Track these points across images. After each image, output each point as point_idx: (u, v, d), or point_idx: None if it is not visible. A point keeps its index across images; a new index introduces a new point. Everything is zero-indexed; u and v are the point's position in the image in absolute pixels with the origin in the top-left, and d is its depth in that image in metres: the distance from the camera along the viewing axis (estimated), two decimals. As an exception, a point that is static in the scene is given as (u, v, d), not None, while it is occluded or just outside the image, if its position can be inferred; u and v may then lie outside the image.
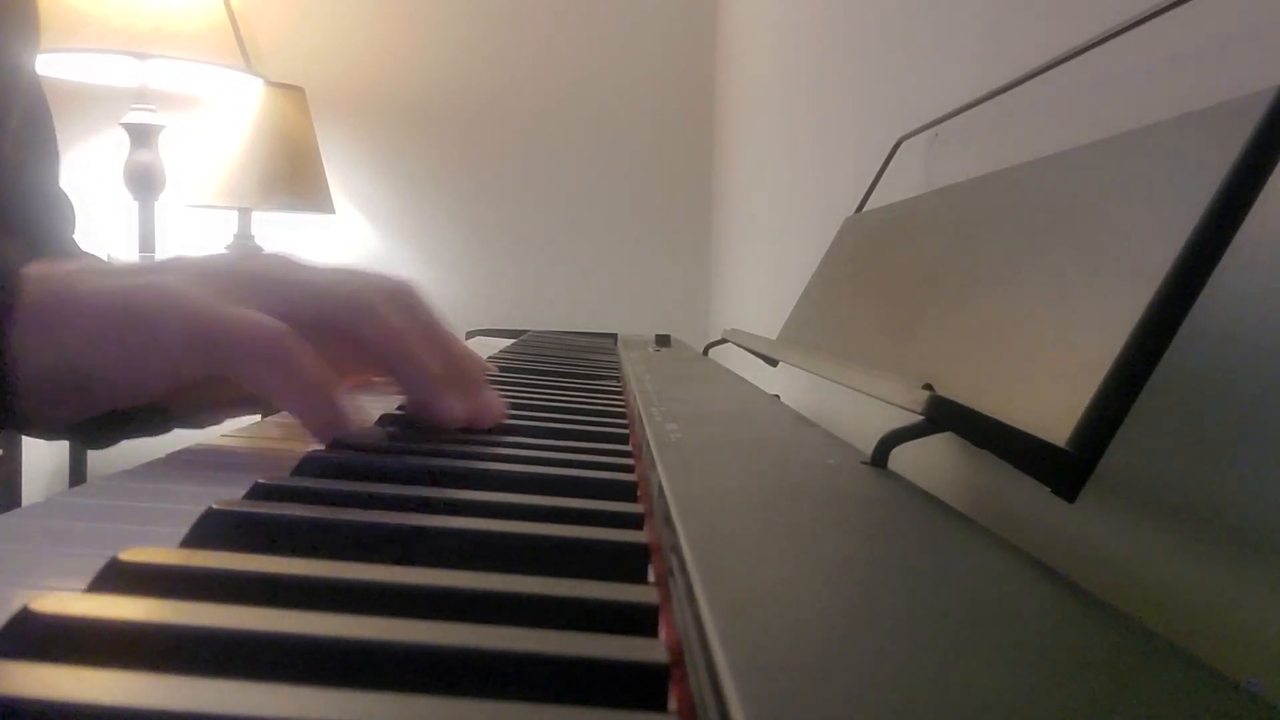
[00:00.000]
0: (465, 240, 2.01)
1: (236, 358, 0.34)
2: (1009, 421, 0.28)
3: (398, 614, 0.17)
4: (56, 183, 0.57)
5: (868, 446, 0.34)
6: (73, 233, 0.57)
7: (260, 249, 1.82)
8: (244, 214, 1.81)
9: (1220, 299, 0.30)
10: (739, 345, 0.78)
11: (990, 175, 0.44)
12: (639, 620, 0.19)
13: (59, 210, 0.56)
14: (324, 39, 1.97)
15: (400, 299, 0.40)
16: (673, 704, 0.16)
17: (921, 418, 0.33)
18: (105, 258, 0.53)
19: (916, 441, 0.33)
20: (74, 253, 0.54)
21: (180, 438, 0.47)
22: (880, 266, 0.55)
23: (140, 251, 1.69)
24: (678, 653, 0.17)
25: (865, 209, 0.70)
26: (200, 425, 0.46)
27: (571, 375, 0.65)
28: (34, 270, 0.35)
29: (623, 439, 0.40)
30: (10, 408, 0.34)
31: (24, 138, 0.53)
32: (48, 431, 0.41)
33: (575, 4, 2.00)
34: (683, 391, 0.50)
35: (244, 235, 1.81)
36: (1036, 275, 0.33)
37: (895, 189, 0.67)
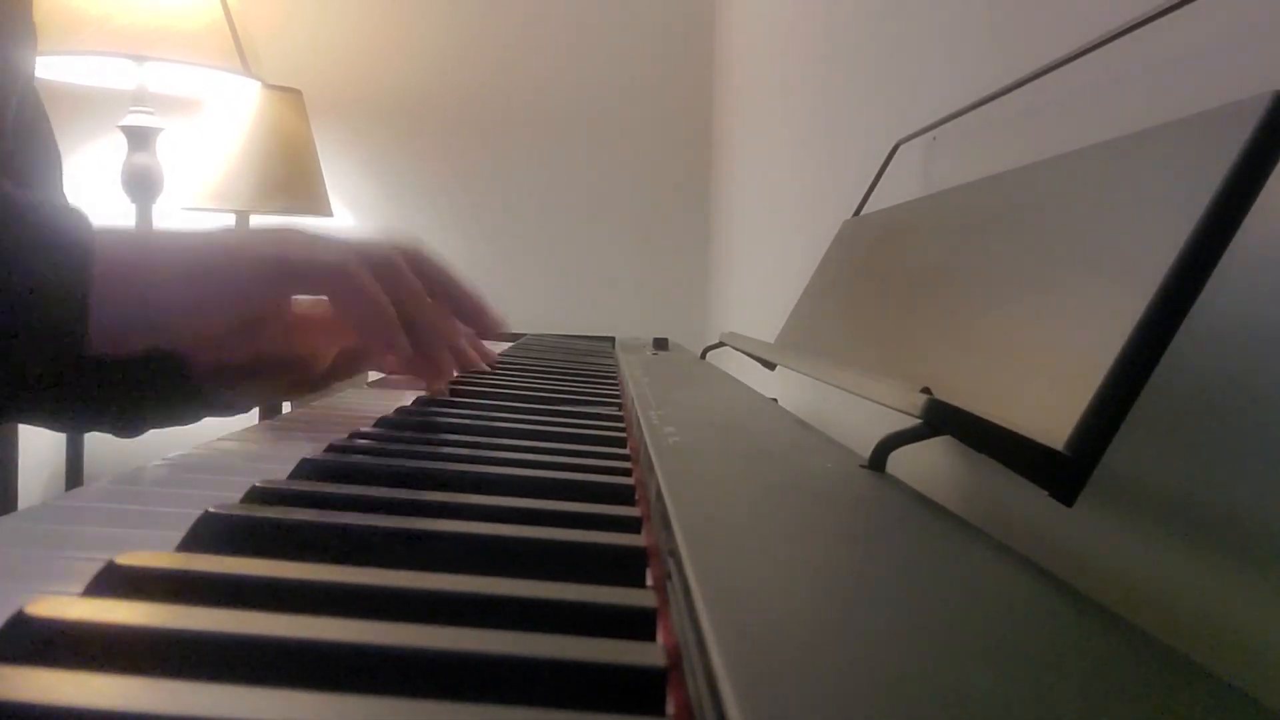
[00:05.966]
0: (463, 244, 2.01)
1: (316, 280, 0.42)
2: (1007, 425, 0.28)
3: (395, 618, 0.17)
4: (61, 189, 0.58)
5: (866, 450, 0.34)
6: None
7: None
8: (241, 217, 1.81)
9: (1217, 303, 0.30)
10: (737, 348, 0.78)
11: (988, 179, 0.44)
12: (637, 624, 0.19)
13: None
14: (322, 41, 1.97)
15: (412, 256, 0.48)
16: (670, 708, 0.16)
17: (919, 421, 0.33)
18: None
19: (914, 445, 0.33)
20: None
21: (182, 439, 0.47)
22: (878, 270, 0.55)
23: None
24: (675, 657, 0.17)
25: (863, 212, 0.70)
26: (233, 409, 0.46)
27: (569, 378, 0.65)
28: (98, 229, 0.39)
29: (620, 442, 0.40)
30: (82, 349, 0.38)
31: (22, 142, 0.53)
32: (83, 413, 0.42)
33: (574, 6, 2.00)
34: (681, 395, 0.50)
35: (242, 238, 1.81)
36: (1034, 279, 0.34)
37: (893, 192, 0.67)
